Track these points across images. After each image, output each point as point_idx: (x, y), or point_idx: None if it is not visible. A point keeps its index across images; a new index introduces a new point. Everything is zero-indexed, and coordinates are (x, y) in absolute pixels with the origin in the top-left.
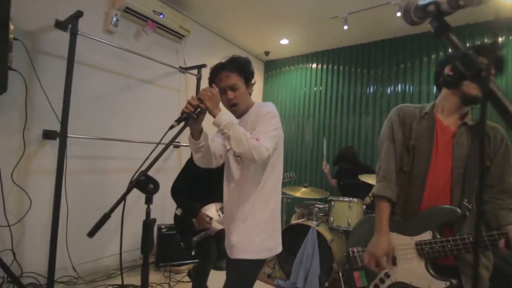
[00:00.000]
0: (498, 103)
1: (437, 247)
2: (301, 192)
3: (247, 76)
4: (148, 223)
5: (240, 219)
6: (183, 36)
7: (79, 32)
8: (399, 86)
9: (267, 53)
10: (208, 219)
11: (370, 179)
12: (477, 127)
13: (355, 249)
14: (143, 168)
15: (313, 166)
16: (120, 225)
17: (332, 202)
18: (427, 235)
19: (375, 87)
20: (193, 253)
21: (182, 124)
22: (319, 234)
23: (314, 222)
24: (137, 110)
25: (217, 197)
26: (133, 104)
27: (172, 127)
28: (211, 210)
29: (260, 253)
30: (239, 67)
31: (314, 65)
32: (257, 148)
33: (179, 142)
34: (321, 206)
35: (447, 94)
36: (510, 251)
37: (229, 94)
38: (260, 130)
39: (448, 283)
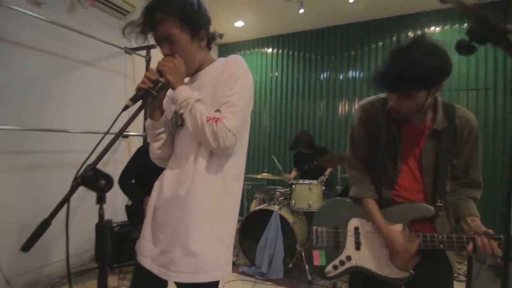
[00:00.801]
0: None
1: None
2: (262, 177)
3: (191, 22)
4: (102, 227)
5: (195, 221)
6: (128, 12)
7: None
8: (350, 72)
9: (221, 36)
10: None
11: (326, 161)
12: (446, 133)
13: (319, 229)
14: (90, 161)
15: (271, 151)
16: (65, 228)
17: (293, 186)
18: (398, 227)
19: (328, 73)
20: None
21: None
22: (281, 218)
23: (276, 207)
24: (76, 96)
25: None
26: (70, 89)
27: (126, 107)
28: None
29: (226, 268)
30: (177, 7)
31: (270, 50)
32: (216, 135)
33: (128, 132)
34: (282, 190)
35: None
36: (475, 253)
37: (164, 48)
38: (224, 102)
39: (407, 274)
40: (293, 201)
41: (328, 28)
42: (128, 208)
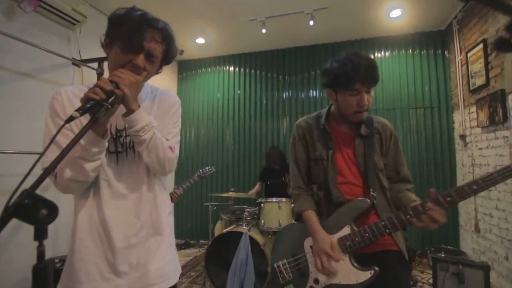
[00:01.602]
0: None
1: (356, 239)
2: (227, 195)
3: (168, 60)
4: (41, 270)
5: (163, 233)
6: (78, 21)
7: None
8: (311, 92)
9: (181, 52)
10: None
11: None
12: (369, 137)
13: (280, 263)
14: (26, 186)
15: (236, 169)
16: None
17: (262, 204)
18: (346, 230)
19: (290, 92)
20: None
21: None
22: (251, 239)
23: (245, 228)
24: (13, 111)
25: None
26: (6, 104)
27: (71, 119)
28: None
29: (174, 277)
30: (169, 49)
31: (232, 68)
32: (172, 160)
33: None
34: (250, 209)
35: (336, 108)
36: (421, 225)
37: (140, 60)
38: (170, 132)
39: (372, 272)
40: (262, 221)
41: (289, 49)
42: None
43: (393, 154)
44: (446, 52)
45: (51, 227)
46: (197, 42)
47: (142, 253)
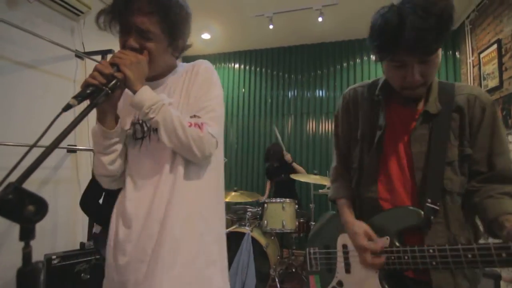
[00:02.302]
0: None
1: (392, 258)
2: (231, 197)
3: (174, 28)
4: (27, 274)
5: (167, 253)
6: (82, 12)
7: None
8: (317, 91)
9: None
10: None
11: (297, 176)
12: (441, 116)
13: (311, 250)
14: (12, 179)
15: (239, 167)
16: None
17: (265, 205)
18: (384, 241)
19: (296, 91)
20: None
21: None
22: (253, 240)
23: (248, 228)
24: (13, 102)
25: None
26: (6, 94)
27: (68, 107)
28: None
29: None
30: (164, 6)
31: (237, 65)
32: (200, 140)
33: (75, 146)
34: (253, 210)
35: None
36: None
37: (131, 41)
38: (203, 107)
39: None
40: (265, 222)
41: (296, 46)
42: (95, 236)
43: (486, 139)
44: (457, 53)
45: (49, 223)
46: (202, 37)
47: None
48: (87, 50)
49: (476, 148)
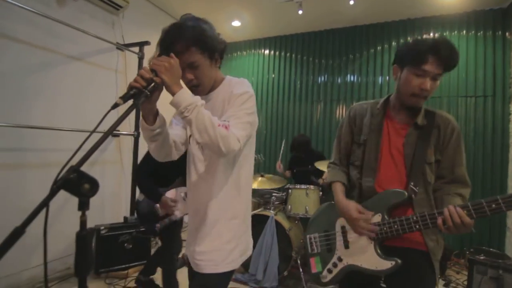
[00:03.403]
0: None
1: (385, 228)
2: (258, 182)
3: (210, 48)
4: (83, 237)
5: (209, 224)
6: (121, 7)
7: None
8: (348, 76)
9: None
10: (173, 203)
11: (322, 165)
12: (426, 128)
13: (312, 236)
14: (73, 162)
15: (267, 154)
16: (43, 236)
17: (290, 190)
18: (377, 218)
19: (326, 76)
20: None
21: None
22: (277, 223)
23: (272, 212)
24: (64, 91)
25: (181, 181)
26: (57, 85)
27: (116, 105)
28: (174, 195)
29: (233, 263)
30: (193, 36)
31: (267, 51)
32: (226, 138)
33: (118, 131)
34: (278, 194)
35: (395, 92)
36: (446, 229)
37: (188, 74)
38: (231, 115)
39: (393, 263)
40: (289, 206)
41: (327, 31)
42: (138, 204)
43: (451, 153)
44: (507, 33)
45: (98, 199)
46: (232, 25)
47: (196, 235)
48: (126, 42)
49: (444, 158)
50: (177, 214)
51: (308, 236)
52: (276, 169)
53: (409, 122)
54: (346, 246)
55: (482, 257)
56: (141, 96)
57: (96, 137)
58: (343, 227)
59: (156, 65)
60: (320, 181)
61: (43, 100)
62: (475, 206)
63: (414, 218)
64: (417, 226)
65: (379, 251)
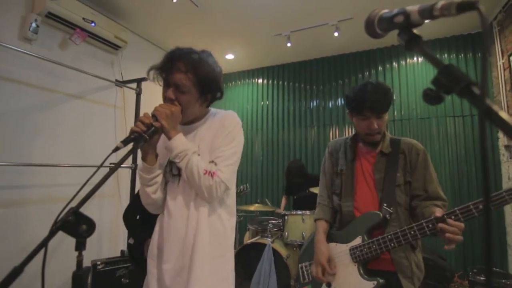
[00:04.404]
0: (500, 122)
1: (365, 249)
2: (255, 208)
3: (204, 86)
4: (79, 276)
5: (199, 262)
6: (119, 47)
7: None
8: (339, 100)
9: None
10: None
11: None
12: (392, 155)
13: (303, 265)
14: (73, 204)
15: (264, 181)
16: (41, 275)
17: (286, 217)
18: (358, 240)
19: (317, 101)
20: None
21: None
22: (274, 251)
23: (269, 239)
24: (64, 128)
25: None
26: (58, 122)
27: (116, 149)
28: None
29: None
30: (197, 66)
31: (260, 81)
32: (210, 188)
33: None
34: (275, 221)
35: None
36: (442, 233)
37: (170, 93)
38: (219, 156)
39: (375, 282)
40: (286, 233)
41: (316, 59)
42: (130, 247)
43: (421, 172)
44: (487, 55)
45: (96, 232)
46: (226, 57)
47: (178, 275)
48: (125, 78)
49: (415, 179)
50: None
51: (300, 265)
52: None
53: (376, 149)
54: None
55: (482, 278)
56: (141, 140)
57: (91, 172)
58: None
59: (158, 111)
60: None
61: (43, 137)
62: (462, 210)
63: (389, 236)
64: (392, 244)
65: (361, 271)
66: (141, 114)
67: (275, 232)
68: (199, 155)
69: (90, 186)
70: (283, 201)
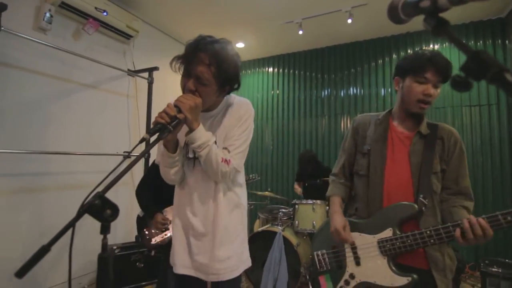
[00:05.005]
0: None
1: (397, 243)
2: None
3: (224, 77)
4: (104, 259)
5: (222, 229)
6: (131, 36)
7: (2, 28)
8: (351, 89)
9: None
10: (164, 222)
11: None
12: (429, 138)
13: (319, 253)
14: (99, 189)
15: (274, 169)
16: (69, 256)
17: (296, 206)
18: (388, 232)
19: (329, 90)
20: (152, 253)
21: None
22: (285, 239)
23: (280, 228)
24: (78, 117)
25: None
26: (73, 112)
27: (143, 140)
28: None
29: (247, 262)
30: (220, 59)
31: (271, 69)
32: (225, 174)
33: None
34: (285, 210)
35: (398, 101)
36: (465, 241)
37: (190, 84)
38: (232, 144)
39: (410, 279)
40: (297, 222)
41: (328, 47)
42: (139, 219)
43: (456, 164)
44: (506, 41)
45: None
46: (237, 46)
47: (200, 247)
48: (137, 68)
49: (449, 169)
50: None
51: (315, 253)
52: (295, 192)
53: (412, 131)
54: (358, 263)
55: (495, 269)
56: (165, 131)
57: (105, 160)
58: (352, 243)
59: (181, 102)
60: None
61: (58, 126)
62: (490, 219)
63: (428, 232)
64: (432, 241)
65: (393, 267)
66: (153, 103)
67: (286, 220)
68: (216, 143)
69: (102, 174)
70: (297, 187)
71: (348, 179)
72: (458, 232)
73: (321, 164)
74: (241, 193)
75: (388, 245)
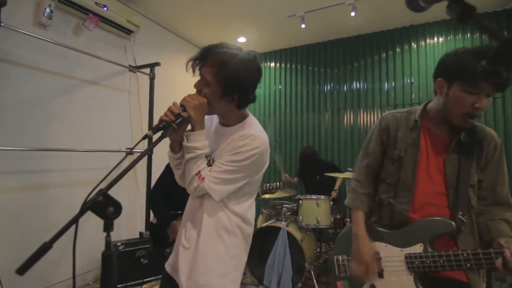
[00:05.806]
0: None
1: (428, 262)
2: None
3: (229, 89)
4: (108, 256)
5: (201, 251)
6: (132, 31)
7: (2, 24)
8: (354, 83)
9: None
10: None
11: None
12: (468, 145)
13: (340, 258)
14: (102, 186)
15: (277, 165)
16: (73, 252)
17: (300, 201)
18: (417, 248)
19: (332, 85)
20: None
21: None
22: (289, 235)
23: (284, 223)
24: (81, 114)
25: None
26: (75, 108)
27: (146, 137)
28: None
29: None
30: (224, 64)
31: (273, 64)
32: (195, 188)
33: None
34: (289, 205)
35: (438, 105)
36: (507, 271)
37: (198, 85)
38: (216, 165)
39: None
40: (301, 217)
41: (330, 41)
42: (152, 226)
43: (493, 171)
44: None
45: None
46: (238, 41)
47: (184, 256)
48: (138, 64)
49: (485, 177)
50: None
51: (336, 257)
52: (283, 180)
53: (450, 137)
54: (381, 274)
55: None
56: (169, 129)
57: (107, 156)
58: (376, 253)
59: (186, 101)
60: (333, 193)
61: (59, 123)
62: None
63: (465, 255)
64: (468, 265)
65: (420, 285)
66: (155, 99)
67: (289, 216)
68: (207, 156)
69: (104, 171)
70: (295, 179)
71: (371, 185)
72: (499, 262)
73: (322, 161)
74: (238, 222)
75: (416, 262)
